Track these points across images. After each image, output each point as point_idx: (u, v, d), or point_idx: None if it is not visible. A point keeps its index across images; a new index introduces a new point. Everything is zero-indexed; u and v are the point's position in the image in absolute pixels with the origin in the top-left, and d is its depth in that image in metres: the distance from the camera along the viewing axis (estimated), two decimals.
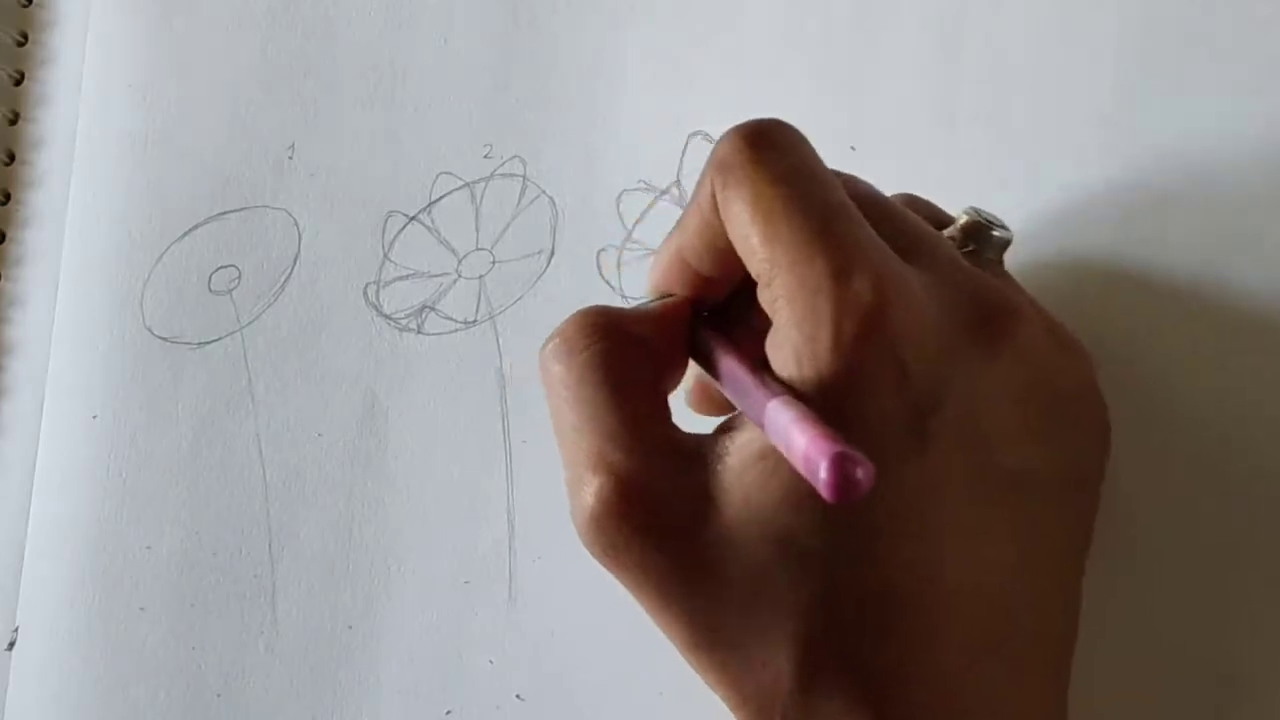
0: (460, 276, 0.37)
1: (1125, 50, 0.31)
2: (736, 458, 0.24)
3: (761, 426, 0.23)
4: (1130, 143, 0.31)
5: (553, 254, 0.36)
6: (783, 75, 0.35)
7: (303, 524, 0.37)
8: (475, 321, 0.37)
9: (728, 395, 0.25)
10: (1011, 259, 0.30)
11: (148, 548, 0.37)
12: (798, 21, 0.35)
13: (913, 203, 0.29)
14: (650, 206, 0.36)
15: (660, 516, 0.24)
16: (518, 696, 0.34)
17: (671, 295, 0.28)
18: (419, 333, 0.37)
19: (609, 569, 0.25)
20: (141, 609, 0.37)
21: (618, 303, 0.35)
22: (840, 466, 0.20)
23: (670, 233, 0.27)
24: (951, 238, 0.28)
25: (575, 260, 0.36)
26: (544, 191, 0.37)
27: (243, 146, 0.39)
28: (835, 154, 0.33)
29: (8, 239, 0.41)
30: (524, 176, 0.37)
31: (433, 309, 0.37)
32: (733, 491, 0.24)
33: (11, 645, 0.37)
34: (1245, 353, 0.30)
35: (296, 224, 0.39)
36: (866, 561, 0.23)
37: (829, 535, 0.23)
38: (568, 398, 0.26)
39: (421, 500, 0.37)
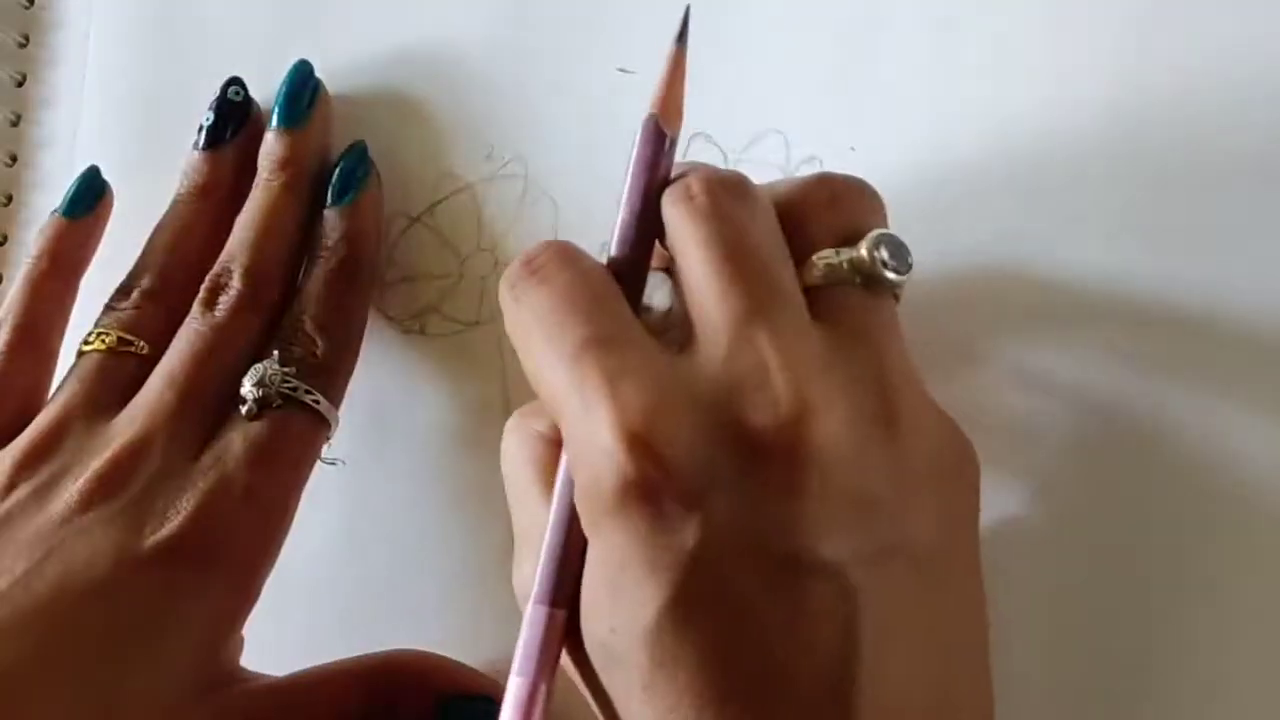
0: (463, 278, 0.37)
1: (1126, 50, 0.31)
2: None
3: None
4: (1131, 143, 0.31)
5: None
6: (783, 75, 0.35)
7: (303, 524, 0.37)
8: (478, 323, 0.37)
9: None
10: (1013, 260, 0.30)
11: None
12: (798, 21, 0.35)
13: (834, 201, 0.28)
14: None
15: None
16: None
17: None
18: (422, 334, 0.37)
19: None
20: None
21: None
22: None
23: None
24: (841, 263, 0.27)
25: None
26: (546, 192, 0.37)
27: None
28: (836, 154, 0.34)
29: (10, 240, 0.41)
30: (525, 177, 0.37)
31: (436, 310, 0.37)
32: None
33: None
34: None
35: None
36: (688, 645, 0.24)
37: (639, 634, 0.24)
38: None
39: (422, 501, 0.37)
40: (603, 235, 0.36)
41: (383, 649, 0.35)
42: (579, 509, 0.25)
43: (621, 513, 0.24)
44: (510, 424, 0.29)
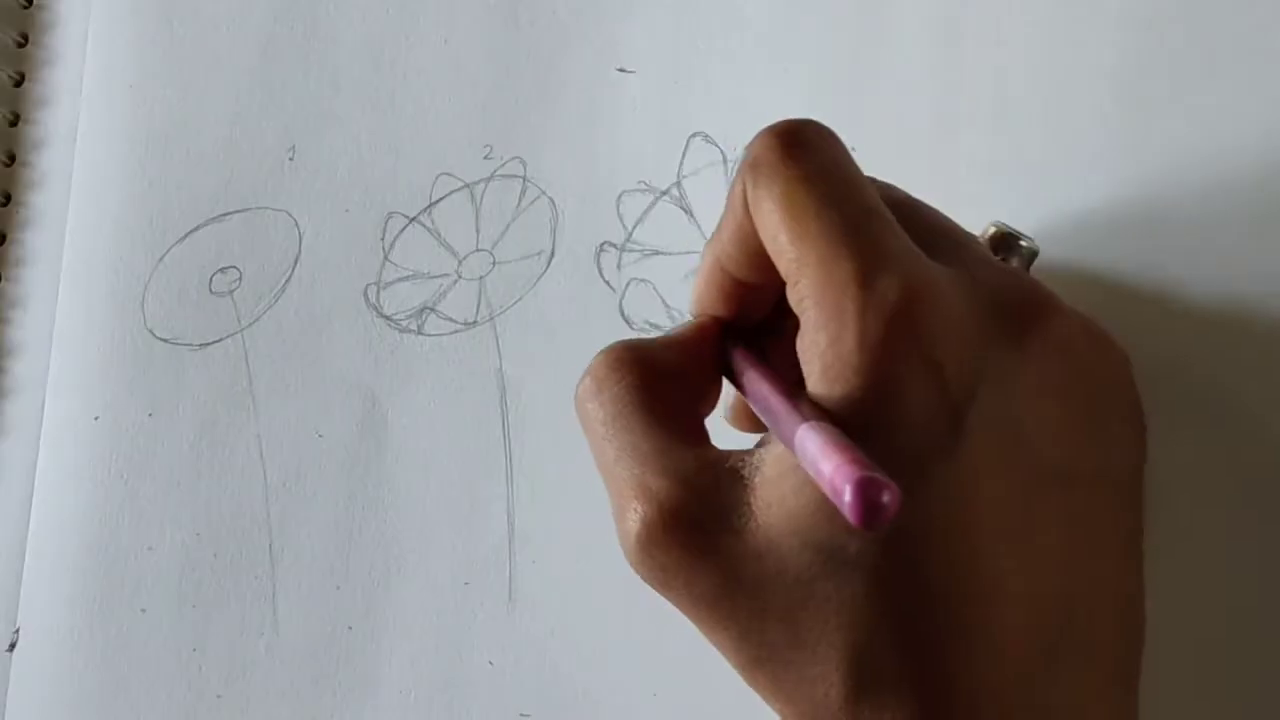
0: (460, 277, 0.37)
1: (1126, 49, 0.31)
2: (773, 469, 0.24)
3: (793, 451, 0.23)
4: (1132, 142, 0.31)
5: (553, 255, 0.36)
6: (783, 75, 0.35)
7: (303, 524, 0.37)
8: (475, 322, 0.37)
9: (760, 417, 0.25)
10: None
11: (148, 548, 0.37)
12: (798, 21, 0.35)
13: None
14: (650, 207, 0.36)
15: (702, 536, 0.24)
16: (521, 715, 0.35)
17: (704, 317, 0.28)
18: (419, 334, 0.37)
19: (660, 592, 0.25)
20: (141, 609, 0.37)
21: (614, 302, 0.35)
22: (864, 492, 0.20)
23: (708, 242, 0.27)
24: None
25: (575, 261, 0.36)
26: (544, 192, 0.37)
27: (243, 147, 0.39)
28: None
29: (8, 240, 0.41)
30: (524, 177, 0.37)
31: (433, 310, 0.37)
32: (771, 504, 0.24)
33: (12, 645, 0.38)
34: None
35: (297, 225, 0.39)
36: (909, 565, 0.23)
37: (868, 540, 0.23)
38: (604, 433, 0.26)
39: (421, 501, 0.37)
40: (601, 235, 0.36)
41: (381, 647, 0.35)
42: (827, 384, 0.23)
43: (891, 385, 0.23)
44: (614, 362, 0.27)
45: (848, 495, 0.20)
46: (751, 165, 0.25)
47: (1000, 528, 0.23)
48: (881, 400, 0.23)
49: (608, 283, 0.36)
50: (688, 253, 0.35)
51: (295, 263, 0.39)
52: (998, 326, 0.24)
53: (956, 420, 0.23)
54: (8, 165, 0.41)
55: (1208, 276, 0.30)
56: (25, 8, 0.42)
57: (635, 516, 0.24)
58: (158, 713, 0.37)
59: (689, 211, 0.35)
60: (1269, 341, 0.30)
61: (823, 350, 0.23)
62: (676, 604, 0.25)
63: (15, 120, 0.41)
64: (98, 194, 0.40)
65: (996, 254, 0.28)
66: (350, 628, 0.36)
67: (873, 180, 0.26)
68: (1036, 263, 0.29)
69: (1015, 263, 0.28)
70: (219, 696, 0.37)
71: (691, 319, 0.28)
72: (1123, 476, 0.26)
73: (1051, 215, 0.31)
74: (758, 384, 0.25)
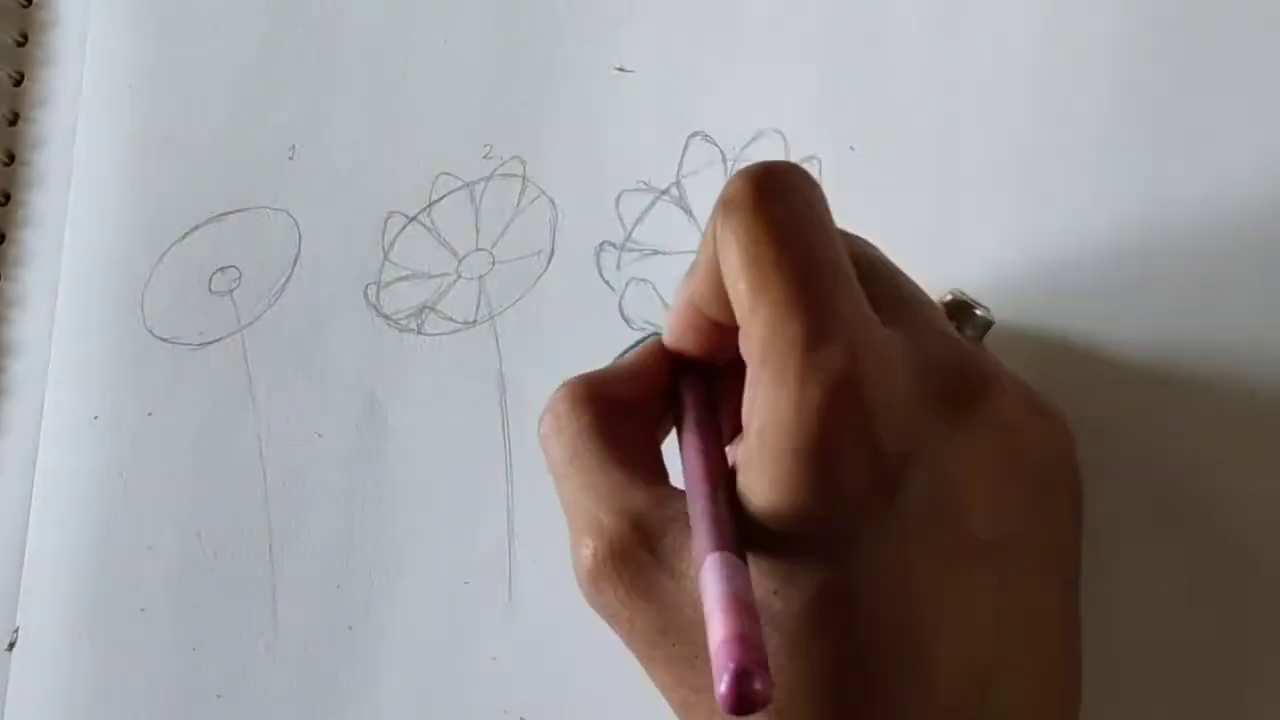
0: (460, 277, 0.37)
1: (1126, 49, 0.31)
2: None
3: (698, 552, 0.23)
4: (1132, 142, 0.31)
5: (552, 254, 0.36)
6: (783, 75, 0.35)
7: (303, 524, 0.37)
8: (475, 322, 0.37)
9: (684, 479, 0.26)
10: (1016, 263, 0.30)
11: (148, 548, 0.37)
12: (798, 21, 0.35)
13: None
14: (650, 207, 0.36)
15: (644, 577, 0.25)
16: (522, 715, 0.35)
17: (655, 342, 0.28)
18: (419, 333, 0.37)
19: (608, 625, 0.26)
20: (141, 609, 0.37)
21: (613, 302, 0.35)
22: (738, 684, 0.20)
23: (683, 278, 0.27)
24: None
25: (575, 261, 0.36)
26: (544, 192, 0.37)
27: (243, 146, 0.39)
28: (835, 154, 0.34)
29: (8, 239, 0.41)
30: (524, 177, 0.37)
31: (433, 309, 0.37)
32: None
33: (11, 645, 0.38)
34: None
35: (296, 224, 0.39)
36: (833, 628, 0.23)
37: (794, 603, 0.23)
38: (563, 471, 0.27)
39: (421, 500, 0.37)
40: (601, 235, 0.36)
41: (381, 647, 0.35)
42: (761, 445, 0.23)
43: (825, 453, 0.23)
44: (572, 400, 0.28)
45: (723, 684, 0.20)
46: (724, 204, 0.25)
47: (928, 595, 0.23)
48: (814, 467, 0.23)
49: (607, 282, 0.36)
50: (687, 252, 0.35)
51: (295, 262, 0.39)
52: (939, 400, 0.24)
53: (888, 490, 0.23)
54: (7, 164, 0.41)
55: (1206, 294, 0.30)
56: (25, 7, 0.42)
57: (586, 551, 0.26)
58: (158, 713, 0.37)
59: (688, 211, 0.35)
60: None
61: (761, 410, 0.23)
62: (621, 638, 0.26)
63: (14, 119, 0.41)
64: (97, 193, 0.40)
65: (951, 320, 0.28)
66: (350, 628, 0.36)
67: (843, 234, 0.26)
68: (1027, 265, 0.29)
69: (969, 332, 0.28)
70: (219, 696, 0.37)
71: (645, 341, 0.29)
72: (1059, 548, 0.26)
73: (1051, 214, 0.31)
74: (692, 456, 0.26)
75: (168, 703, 0.37)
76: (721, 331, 0.27)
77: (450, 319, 0.37)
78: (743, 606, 0.21)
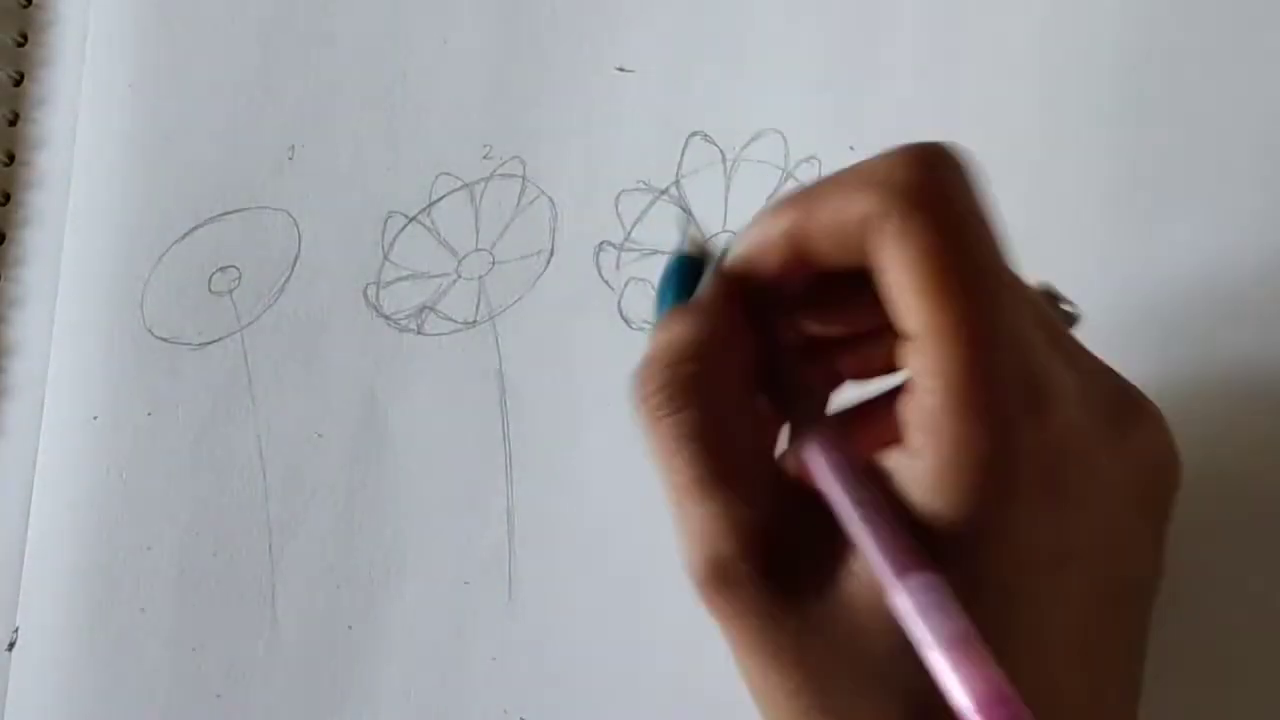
0: (460, 277, 0.37)
1: (1126, 49, 0.31)
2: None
3: (882, 586, 0.21)
4: (1132, 143, 0.31)
5: (552, 254, 0.36)
6: (783, 75, 0.35)
7: (303, 524, 0.37)
8: (475, 322, 0.37)
9: (831, 505, 0.23)
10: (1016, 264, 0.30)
11: (148, 548, 0.37)
12: (798, 21, 0.35)
13: None
14: (649, 206, 0.36)
15: (755, 600, 0.23)
16: (522, 715, 0.35)
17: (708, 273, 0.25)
18: (419, 333, 0.37)
19: (719, 625, 0.24)
20: (141, 609, 0.37)
21: (613, 302, 0.35)
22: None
23: (780, 204, 0.24)
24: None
25: (574, 260, 0.36)
26: (543, 192, 0.37)
27: (243, 146, 0.39)
28: (835, 154, 0.34)
29: (8, 239, 0.41)
30: (523, 177, 0.37)
31: (432, 309, 0.37)
32: (855, 573, 0.22)
33: (11, 645, 0.37)
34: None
35: (296, 224, 0.39)
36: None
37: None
38: (673, 463, 0.24)
39: (421, 500, 0.37)
40: (600, 234, 0.36)
41: (381, 647, 0.35)
42: (939, 477, 0.21)
43: (1022, 498, 0.21)
44: (672, 385, 0.24)
45: None
46: (889, 190, 0.22)
47: (1071, 651, 0.23)
48: (994, 512, 0.21)
49: (607, 282, 0.36)
50: None
51: (295, 262, 0.39)
52: (1107, 432, 0.23)
53: (1064, 543, 0.22)
54: (7, 164, 0.41)
55: (1212, 277, 0.30)
56: (25, 7, 0.42)
57: (699, 558, 0.23)
58: (158, 713, 0.37)
59: (688, 210, 0.35)
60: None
61: (944, 442, 0.21)
62: (732, 641, 0.24)
63: (14, 119, 0.41)
64: (97, 193, 0.40)
65: None
66: (350, 628, 0.36)
67: None
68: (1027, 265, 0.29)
69: None
70: (219, 696, 0.37)
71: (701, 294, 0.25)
72: (1151, 580, 0.25)
73: (1050, 216, 0.31)
74: (835, 491, 0.23)
75: (168, 703, 0.37)
76: (796, 268, 0.24)
77: (450, 319, 0.37)
78: (977, 648, 0.20)
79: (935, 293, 0.21)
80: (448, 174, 0.38)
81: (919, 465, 0.22)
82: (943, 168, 0.22)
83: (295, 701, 0.36)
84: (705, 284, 0.25)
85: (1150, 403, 0.25)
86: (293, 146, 0.40)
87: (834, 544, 0.23)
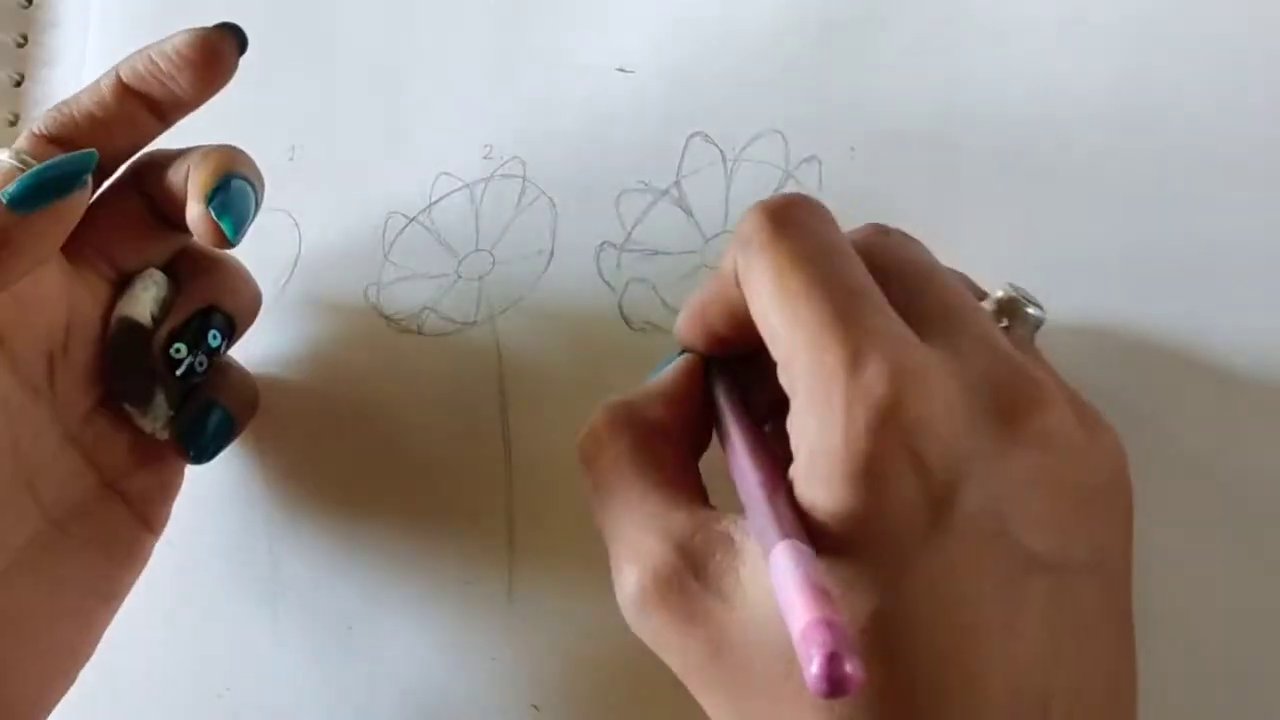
0: (460, 277, 0.37)
1: (1127, 48, 0.31)
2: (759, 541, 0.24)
3: (762, 549, 0.23)
4: (1133, 141, 0.31)
5: (552, 254, 0.36)
6: (782, 75, 0.35)
7: (303, 524, 0.37)
8: (475, 322, 0.37)
9: (737, 487, 0.26)
10: (1017, 264, 0.30)
11: None
12: (797, 21, 0.35)
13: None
14: (650, 207, 0.36)
15: (691, 601, 0.25)
16: (534, 706, 0.35)
17: (689, 359, 0.29)
18: (419, 334, 0.37)
19: (656, 651, 0.26)
20: (142, 609, 0.37)
21: (613, 302, 0.35)
22: (829, 667, 0.20)
23: (698, 291, 0.28)
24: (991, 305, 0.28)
25: (575, 261, 0.36)
26: (543, 192, 0.37)
27: (243, 146, 0.39)
28: (836, 154, 0.34)
29: None
30: (523, 177, 0.37)
31: (433, 310, 0.37)
32: (756, 575, 0.24)
33: None
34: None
35: (297, 225, 0.39)
36: (887, 655, 0.23)
37: (853, 630, 0.23)
38: (600, 497, 0.27)
39: (422, 500, 0.37)
40: (601, 235, 0.36)
41: (381, 648, 0.35)
42: (810, 472, 0.24)
43: (874, 477, 0.23)
44: (612, 422, 0.28)
45: (814, 666, 0.20)
46: (743, 243, 0.25)
47: (981, 623, 0.23)
48: (864, 491, 0.23)
49: (607, 282, 0.36)
50: (687, 252, 0.35)
51: (295, 263, 0.39)
52: (987, 416, 0.24)
53: (939, 512, 0.23)
54: None
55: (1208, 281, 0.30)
56: (25, 8, 0.42)
57: (631, 579, 0.26)
58: (157, 712, 0.37)
59: (688, 211, 0.35)
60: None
61: (809, 437, 0.24)
62: (669, 663, 0.26)
63: (15, 120, 0.41)
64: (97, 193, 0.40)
65: (1001, 318, 0.28)
66: (350, 627, 0.36)
67: (886, 231, 0.27)
68: (1027, 263, 0.29)
69: (1020, 330, 0.28)
70: (219, 696, 0.37)
71: (677, 358, 0.29)
72: (1112, 563, 0.26)
73: (1049, 215, 0.31)
74: (741, 458, 0.26)
75: (168, 703, 0.37)
76: (726, 343, 0.28)
77: (450, 319, 0.37)
78: (822, 591, 0.21)
79: (783, 315, 0.24)
80: (448, 174, 0.38)
81: (793, 473, 0.24)
82: (777, 211, 0.25)
83: (295, 701, 0.36)
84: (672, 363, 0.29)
85: (1055, 388, 0.25)
86: (293, 146, 0.40)
87: (736, 564, 0.25)
